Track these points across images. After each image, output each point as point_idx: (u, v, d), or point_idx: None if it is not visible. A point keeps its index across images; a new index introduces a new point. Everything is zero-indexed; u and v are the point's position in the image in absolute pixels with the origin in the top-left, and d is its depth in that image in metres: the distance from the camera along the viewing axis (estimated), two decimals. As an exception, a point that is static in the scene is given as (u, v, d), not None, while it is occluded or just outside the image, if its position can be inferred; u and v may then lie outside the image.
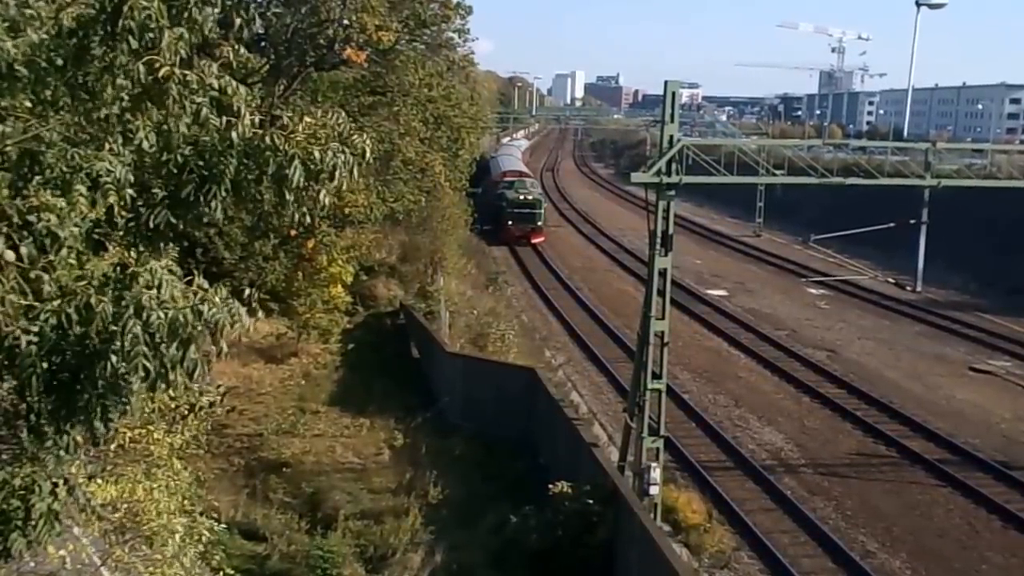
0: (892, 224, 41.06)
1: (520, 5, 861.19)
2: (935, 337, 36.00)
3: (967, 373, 31.30)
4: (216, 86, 6.18)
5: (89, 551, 9.45)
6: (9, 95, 5.84)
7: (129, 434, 10.33)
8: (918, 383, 29.81)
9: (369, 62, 25.12)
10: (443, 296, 33.76)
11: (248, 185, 6.49)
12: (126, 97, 6.10)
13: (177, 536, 10.05)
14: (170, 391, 6.97)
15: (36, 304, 5.48)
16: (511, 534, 16.41)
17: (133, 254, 5.98)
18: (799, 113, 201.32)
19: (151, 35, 5.75)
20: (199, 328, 5.56)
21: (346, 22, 23.69)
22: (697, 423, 25.23)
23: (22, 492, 5.87)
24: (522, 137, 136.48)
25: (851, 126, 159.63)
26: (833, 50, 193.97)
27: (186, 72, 5.97)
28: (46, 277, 5.54)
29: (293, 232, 24.80)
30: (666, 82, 17.56)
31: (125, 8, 5.63)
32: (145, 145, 6.20)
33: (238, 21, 6.64)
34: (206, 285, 5.76)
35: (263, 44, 24.21)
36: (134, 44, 5.73)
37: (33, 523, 5.89)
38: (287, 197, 6.51)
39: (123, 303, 5.41)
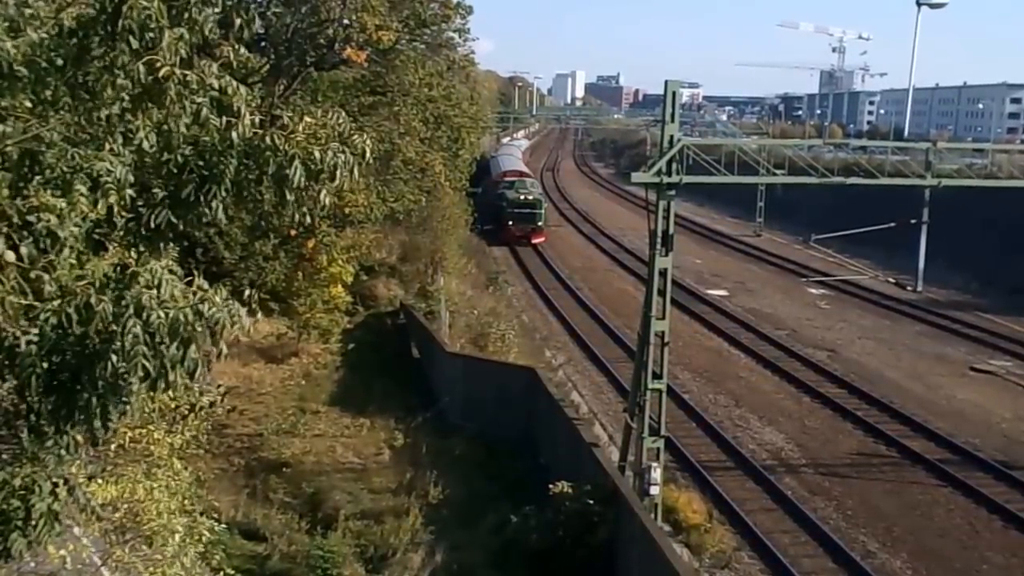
0: (893, 224, 41.04)
1: (520, 5, 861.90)
2: (936, 337, 35.99)
3: (968, 373, 31.29)
4: (216, 86, 6.18)
5: (89, 551, 9.45)
6: (9, 95, 5.84)
7: (129, 434, 10.34)
8: (919, 383, 29.80)
9: (369, 62, 25.11)
10: (443, 296, 33.75)
11: (248, 185, 6.49)
12: (126, 97, 6.10)
13: (177, 536, 10.05)
14: (170, 391, 6.96)
15: (36, 304, 5.48)
16: (511, 534, 16.41)
17: (133, 254, 5.98)
18: (799, 113, 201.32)
19: (151, 35, 5.75)
20: (199, 328, 5.56)
21: (346, 22, 23.69)
22: (697, 423, 25.23)
23: (22, 492, 5.87)
24: (522, 137, 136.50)
25: (852, 126, 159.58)
26: (834, 50, 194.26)
27: (186, 72, 5.97)
28: (46, 277, 5.54)
29: (293, 232, 24.81)
30: (666, 82, 17.56)
31: (125, 8, 5.63)
32: (145, 145, 6.20)
33: (238, 21, 6.63)
34: (206, 285, 5.76)
35: (263, 44, 24.21)
36: (134, 44, 5.74)
37: (33, 523, 5.88)
38: (287, 197, 6.50)
39: (123, 303, 5.40)
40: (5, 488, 5.86)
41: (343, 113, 6.88)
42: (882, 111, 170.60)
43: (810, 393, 28.11)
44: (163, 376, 5.58)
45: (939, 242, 42.20)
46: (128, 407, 5.91)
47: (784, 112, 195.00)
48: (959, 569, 18.03)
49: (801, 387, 28.69)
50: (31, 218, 5.60)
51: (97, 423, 5.77)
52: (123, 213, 6.27)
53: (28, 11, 5.93)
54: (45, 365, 5.48)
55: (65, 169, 5.92)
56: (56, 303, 5.44)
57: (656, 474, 17.92)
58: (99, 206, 5.96)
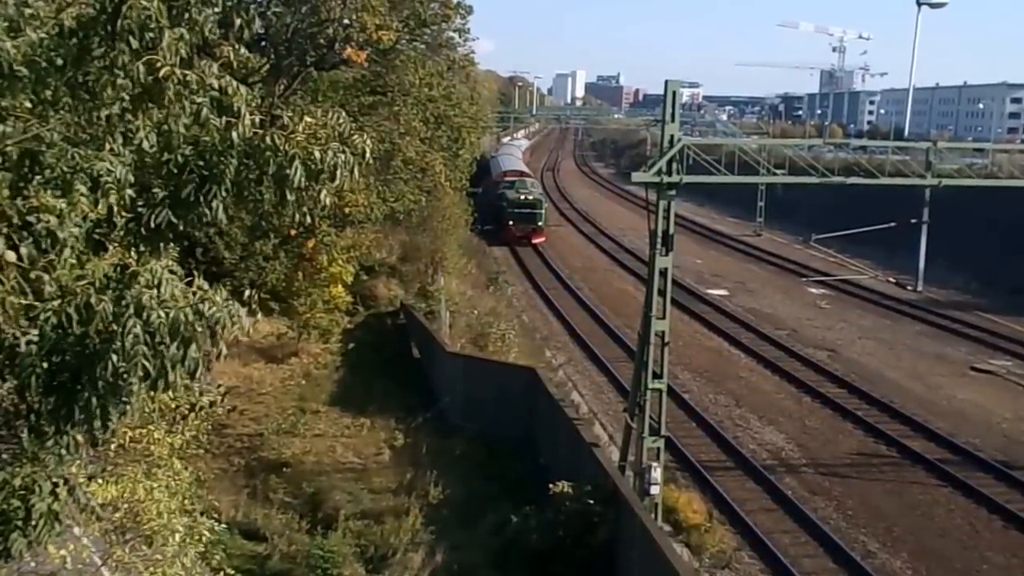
0: (893, 224, 41.10)
1: (520, 5, 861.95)
2: (936, 337, 35.99)
3: (968, 373, 31.28)
4: (216, 86, 6.18)
5: (89, 551, 9.45)
6: (9, 95, 5.83)
7: (129, 434, 10.33)
8: (919, 383, 29.79)
9: (369, 62, 25.12)
10: (443, 296, 33.75)
11: (248, 185, 6.48)
12: (126, 97, 6.10)
13: (177, 536, 10.03)
14: (170, 391, 6.96)
15: (36, 304, 5.48)
16: (512, 534, 16.41)
17: (133, 254, 5.98)
18: (800, 113, 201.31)
19: (151, 35, 5.75)
20: (200, 328, 5.56)
21: (346, 22, 23.70)
22: (698, 423, 25.22)
23: (22, 492, 5.87)
24: (522, 137, 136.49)
25: (852, 125, 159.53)
26: (834, 49, 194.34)
27: (186, 72, 5.97)
28: (46, 277, 5.54)
29: (293, 232, 24.81)
30: (667, 82, 17.55)
31: (125, 8, 5.62)
32: (145, 145, 6.20)
33: (238, 21, 6.63)
34: (206, 285, 5.76)
35: (263, 44, 24.21)
36: (134, 44, 5.73)
37: (33, 523, 5.88)
38: (288, 197, 6.50)
39: (123, 303, 5.40)
40: (5, 488, 5.86)
41: (343, 113, 6.88)
42: (882, 111, 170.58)
43: (810, 393, 28.11)
44: (163, 376, 5.58)
45: (939, 242, 42.24)
46: (128, 407, 5.91)
47: (784, 112, 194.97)
48: (959, 569, 18.02)
49: (801, 387, 28.69)
50: (31, 219, 5.60)
51: (97, 423, 5.76)
52: (123, 213, 6.27)
53: (28, 11, 5.93)
54: (45, 365, 5.48)
55: (65, 169, 5.92)
56: (56, 303, 5.44)
57: (656, 474, 17.92)
58: (99, 206, 5.96)
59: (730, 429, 24.92)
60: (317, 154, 6.38)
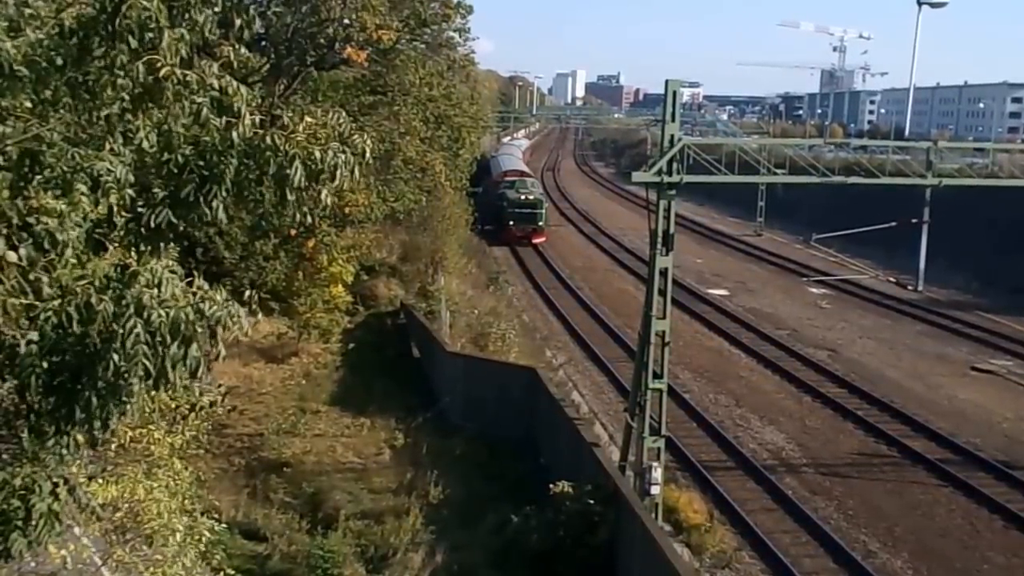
0: (894, 223, 41.10)
1: (520, 5, 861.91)
2: (937, 337, 35.98)
3: (969, 373, 31.27)
4: (216, 86, 6.18)
5: (90, 551, 9.46)
6: (9, 95, 5.83)
7: (129, 434, 10.33)
8: (919, 383, 29.79)
9: (369, 61, 25.11)
10: (444, 296, 33.73)
11: (249, 185, 6.48)
12: (126, 97, 6.10)
13: (178, 536, 10.04)
14: (170, 391, 6.96)
15: (36, 304, 5.48)
16: (512, 534, 16.40)
17: (133, 254, 5.98)
18: (800, 112, 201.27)
19: (151, 35, 5.75)
20: (201, 327, 5.56)
21: (346, 21, 23.69)
22: (698, 423, 25.22)
23: (22, 492, 5.87)
24: (523, 136, 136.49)
25: (852, 125, 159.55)
26: (834, 49, 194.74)
27: (186, 72, 5.97)
28: (45, 278, 5.54)
29: (293, 232, 24.79)
30: (667, 81, 17.55)
31: (124, 8, 5.62)
32: (145, 145, 6.20)
33: (238, 21, 6.63)
34: (206, 285, 5.76)
35: (263, 44, 24.21)
36: (134, 44, 5.73)
37: (34, 523, 5.88)
38: (288, 197, 6.50)
39: (124, 302, 5.40)
40: (5, 488, 5.86)
41: (343, 113, 6.88)
42: (883, 110, 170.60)
43: (811, 393, 28.10)
44: (164, 375, 5.59)
45: (940, 242, 42.25)
46: (128, 407, 5.91)
47: (785, 112, 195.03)
48: (960, 569, 18.02)
49: (802, 387, 28.68)
50: (31, 220, 5.60)
51: (97, 423, 5.77)
52: (123, 213, 6.27)
53: (28, 11, 5.93)
54: (45, 365, 5.48)
55: (65, 169, 5.92)
56: (56, 303, 5.44)
57: (657, 474, 17.91)
58: (99, 206, 5.96)
59: (731, 429, 24.92)
60: (317, 154, 6.38)
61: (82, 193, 5.85)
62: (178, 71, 5.89)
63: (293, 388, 24.79)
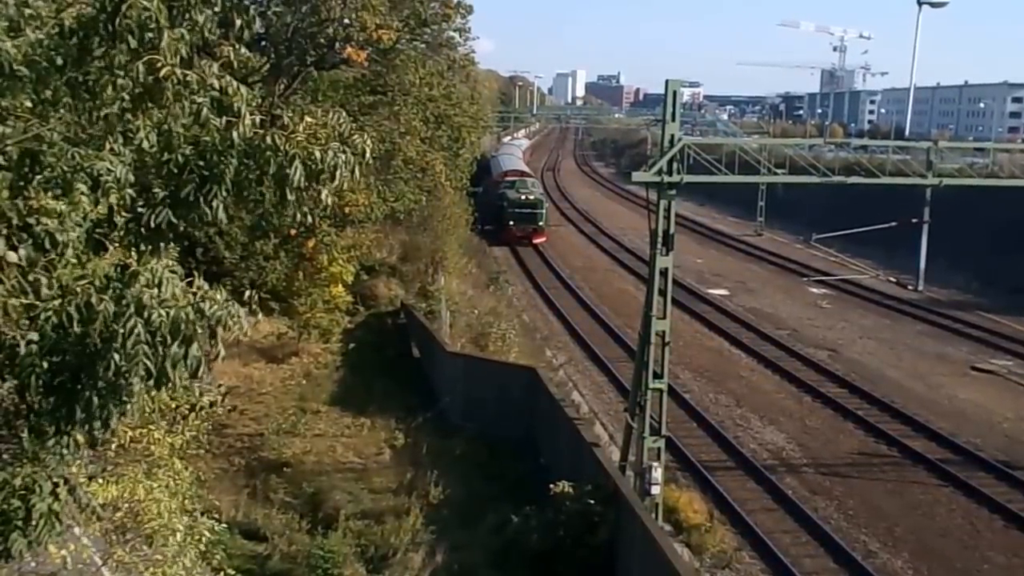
0: (894, 223, 41.11)
1: (520, 5, 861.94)
2: (937, 336, 35.97)
3: (969, 373, 31.27)
4: (216, 86, 6.18)
5: (90, 551, 9.45)
6: (9, 95, 5.83)
7: (129, 434, 10.32)
8: (920, 383, 29.78)
9: (369, 61, 25.11)
10: (444, 296, 33.73)
11: (249, 185, 6.49)
12: (126, 97, 6.10)
13: (178, 536, 10.03)
14: (171, 391, 6.96)
15: (37, 304, 5.48)
16: (512, 534, 16.39)
17: (133, 254, 5.98)
18: (800, 112, 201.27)
19: (151, 35, 5.75)
20: (201, 326, 5.56)
21: (346, 21, 23.69)
22: (698, 423, 25.21)
23: (22, 492, 5.87)
24: (523, 136, 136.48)
25: (853, 125, 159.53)
26: (835, 49, 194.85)
27: (186, 72, 5.97)
28: (44, 279, 5.54)
29: (293, 232, 24.79)
30: (667, 81, 17.55)
31: (124, 8, 5.62)
32: (145, 145, 6.20)
33: (238, 21, 6.63)
34: (206, 285, 5.76)
35: (263, 43, 24.21)
36: (134, 44, 5.73)
37: (34, 523, 5.88)
38: (288, 197, 6.50)
39: (124, 302, 5.40)
40: (5, 488, 5.86)
41: (343, 113, 6.88)
42: (883, 110, 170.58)
43: (811, 393, 28.09)
44: (164, 375, 5.59)
45: (940, 241, 42.25)
46: (128, 407, 5.91)
47: (785, 111, 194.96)
48: (960, 569, 18.02)
49: (802, 387, 28.68)
50: (31, 220, 5.60)
51: (97, 423, 5.77)
52: (123, 213, 6.28)
53: (28, 11, 5.93)
54: (45, 365, 5.48)
55: (65, 169, 5.92)
56: (56, 303, 5.44)
57: (657, 474, 17.91)
58: (99, 206, 5.96)
59: (731, 429, 24.91)
60: (317, 154, 6.38)
61: (82, 193, 5.85)
62: (178, 71, 5.89)
63: (293, 388, 24.79)
